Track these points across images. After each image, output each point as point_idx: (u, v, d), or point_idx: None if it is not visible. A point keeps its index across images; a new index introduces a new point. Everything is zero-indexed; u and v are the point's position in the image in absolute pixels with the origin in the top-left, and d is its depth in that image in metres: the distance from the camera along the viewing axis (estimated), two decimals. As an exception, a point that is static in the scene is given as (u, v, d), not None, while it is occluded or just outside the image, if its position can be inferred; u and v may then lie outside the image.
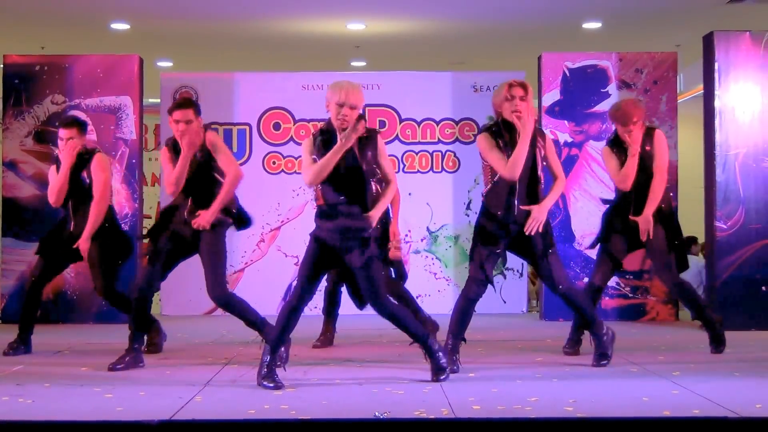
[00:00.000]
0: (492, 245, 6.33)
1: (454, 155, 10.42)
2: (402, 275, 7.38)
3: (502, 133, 6.31)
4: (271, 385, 5.71)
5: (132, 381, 6.02)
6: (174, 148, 6.56)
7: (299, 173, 10.32)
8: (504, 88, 6.32)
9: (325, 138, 5.82)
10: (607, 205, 7.25)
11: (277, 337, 5.85)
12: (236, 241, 9.68)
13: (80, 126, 7.29)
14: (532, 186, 6.34)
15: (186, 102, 6.67)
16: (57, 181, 7.19)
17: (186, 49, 12.56)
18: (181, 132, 6.51)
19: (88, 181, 7.18)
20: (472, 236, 6.45)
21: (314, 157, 5.81)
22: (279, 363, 5.91)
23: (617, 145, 7.06)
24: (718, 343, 7.09)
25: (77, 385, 5.85)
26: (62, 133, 7.22)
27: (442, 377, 5.91)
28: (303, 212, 10.22)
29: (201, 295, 9.96)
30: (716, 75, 9.04)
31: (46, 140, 9.60)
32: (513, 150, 6.21)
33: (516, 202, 6.28)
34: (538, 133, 6.38)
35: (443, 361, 5.97)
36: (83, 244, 7.12)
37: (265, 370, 5.79)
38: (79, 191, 7.20)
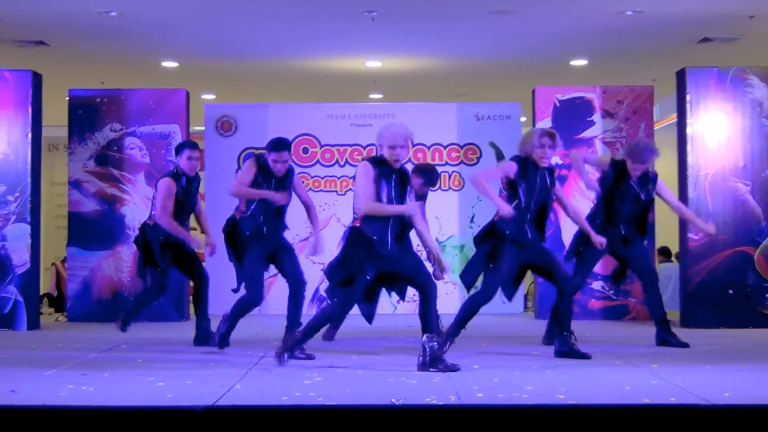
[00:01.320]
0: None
1: (460, 175, 10.41)
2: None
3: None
4: (302, 356, 6.33)
5: (180, 371, 6.02)
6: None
7: (325, 191, 10.34)
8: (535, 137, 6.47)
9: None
10: None
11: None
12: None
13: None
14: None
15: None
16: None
17: (226, 83, 12.60)
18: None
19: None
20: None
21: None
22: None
23: None
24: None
25: (133, 374, 5.87)
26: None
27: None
28: (328, 224, 10.21)
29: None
30: (688, 106, 9.02)
31: (106, 162, 9.63)
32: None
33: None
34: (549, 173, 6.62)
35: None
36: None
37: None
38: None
